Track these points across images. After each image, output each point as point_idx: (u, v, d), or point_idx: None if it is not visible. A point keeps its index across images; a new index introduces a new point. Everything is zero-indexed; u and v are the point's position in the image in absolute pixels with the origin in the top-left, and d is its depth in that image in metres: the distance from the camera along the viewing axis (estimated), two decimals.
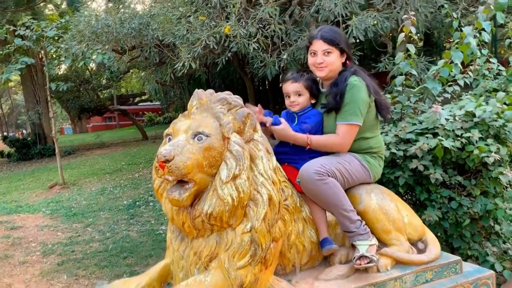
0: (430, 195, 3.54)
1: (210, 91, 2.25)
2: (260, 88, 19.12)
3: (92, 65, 13.92)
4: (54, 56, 11.66)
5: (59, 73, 16.44)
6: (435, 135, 3.50)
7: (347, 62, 2.70)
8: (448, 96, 4.25)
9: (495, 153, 3.32)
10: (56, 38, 9.67)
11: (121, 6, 9.20)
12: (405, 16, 3.71)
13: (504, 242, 3.75)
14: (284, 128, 2.47)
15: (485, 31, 4.01)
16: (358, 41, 7.08)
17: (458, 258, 2.58)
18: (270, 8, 6.80)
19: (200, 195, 2.08)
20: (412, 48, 3.61)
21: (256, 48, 7.00)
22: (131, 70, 18.78)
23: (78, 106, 17.91)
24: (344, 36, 2.71)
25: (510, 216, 3.52)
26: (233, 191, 2.01)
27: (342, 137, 2.52)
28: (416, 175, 3.55)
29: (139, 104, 33.85)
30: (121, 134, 23.21)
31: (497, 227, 3.66)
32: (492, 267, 3.46)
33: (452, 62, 3.79)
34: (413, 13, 3.69)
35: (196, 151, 2.01)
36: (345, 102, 2.52)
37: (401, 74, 3.72)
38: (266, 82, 18.52)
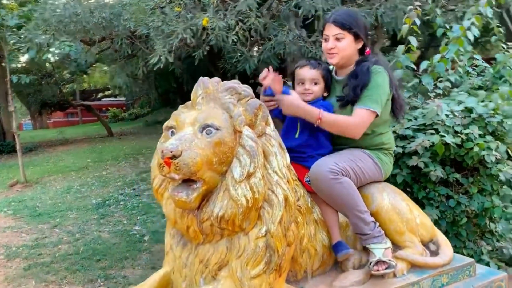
0: (428, 193, 3.44)
1: (216, 79, 2.02)
2: None
3: (55, 57, 13.24)
4: (14, 47, 11.00)
5: (18, 66, 15.62)
6: (432, 131, 3.39)
7: (367, 50, 2.50)
8: (440, 92, 4.17)
9: (495, 150, 3.24)
10: (18, 27, 9.07)
11: None
12: (410, 7, 3.58)
13: (497, 241, 3.70)
14: (295, 97, 2.25)
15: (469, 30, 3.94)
16: None
17: (472, 260, 2.46)
18: (250, 0, 6.57)
19: (208, 196, 1.85)
20: (414, 41, 3.48)
21: (235, 41, 6.77)
22: (94, 64, 18.13)
23: (40, 101, 17.07)
24: (361, 20, 2.50)
25: (508, 214, 3.46)
26: (247, 191, 1.79)
27: (359, 121, 2.30)
28: (413, 172, 3.43)
29: (102, 99, 32.84)
30: (85, 130, 22.34)
31: (492, 226, 3.60)
32: (487, 265, 3.40)
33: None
34: (418, 3, 3.55)
35: (205, 146, 1.78)
36: (367, 88, 2.33)
37: (401, 68, 3.59)
38: (237, 79, 18.30)
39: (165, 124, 2.01)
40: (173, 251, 2.02)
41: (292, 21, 7.40)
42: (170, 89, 24.03)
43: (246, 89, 1.99)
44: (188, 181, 1.80)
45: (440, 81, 4.16)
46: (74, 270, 5.00)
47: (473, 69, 4.76)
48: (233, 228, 1.84)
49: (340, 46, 2.40)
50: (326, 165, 2.17)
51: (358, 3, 7.08)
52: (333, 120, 2.29)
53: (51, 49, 8.61)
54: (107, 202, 7.92)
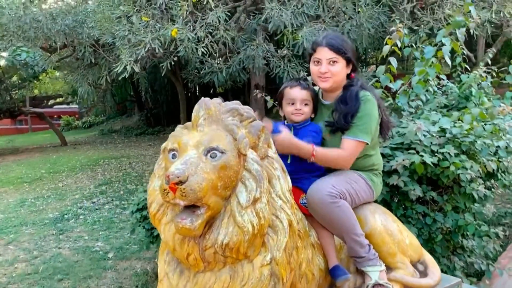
0: (405, 211, 3.50)
1: (218, 100, 1.95)
2: (189, 95, 18.69)
3: (7, 63, 12.61)
4: None
5: None
6: (409, 150, 3.47)
7: (351, 74, 2.51)
8: (412, 110, 4.28)
9: (469, 169, 3.35)
10: None
11: None
12: (393, 28, 3.65)
13: (469, 256, 3.81)
14: (286, 136, 2.22)
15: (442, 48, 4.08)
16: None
17: (459, 280, 2.51)
18: (221, 13, 6.56)
19: (211, 222, 1.77)
20: (394, 62, 3.56)
21: (205, 52, 6.71)
22: (48, 70, 17.42)
23: None
24: (351, 45, 2.52)
25: (481, 232, 3.57)
26: (253, 217, 1.73)
27: (349, 153, 2.32)
28: (391, 191, 3.49)
29: (54, 106, 31.59)
30: (36, 139, 21.37)
31: (464, 242, 3.71)
32: None
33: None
34: (400, 25, 3.63)
35: (211, 171, 1.71)
36: (357, 117, 2.34)
37: (381, 87, 3.65)
38: (197, 90, 18.14)
39: (164, 146, 1.92)
40: (169, 279, 1.92)
41: (260, 36, 7.43)
42: (126, 98, 23.53)
43: (248, 110, 1.94)
44: (191, 207, 1.72)
45: (412, 100, 4.28)
46: None
47: (438, 89, 4.93)
48: (237, 256, 1.77)
49: (333, 71, 2.39)
50: (324, 188, 2.15)
51: (325, 21, 7.22)
52: (327, 155, 2.31)
53: (2, 54, 8.18)
54: (65, 216, 7.57)
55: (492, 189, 3.77)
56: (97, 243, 6.23)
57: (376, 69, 3.88)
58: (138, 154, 13.38)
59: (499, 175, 3.79)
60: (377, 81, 3.72)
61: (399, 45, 3.58)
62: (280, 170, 1.92)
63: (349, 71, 2.47)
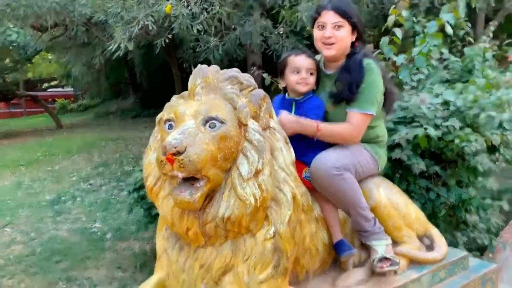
0: (408, 186, 3.43)
1: (215, 67, 1.85)
2: (184, 76, 18.49)
3: None
4: None
5: None
6: (412, 123, 3.38)
7: (355, 43, 2.39)
8: (415, 84, 4.18)
9: (474, 142, 3.27)
10: None
11: None
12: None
13: (472, 231, 3.77)
14: (287, 116, 2.13)
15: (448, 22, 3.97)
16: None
17: (466, 253, 2.46)
18: None
19: (211, 195, 1.69)
20: (399, 33, 3.43)
21: (200, 29, 6.55)
22: (41, 52, 17.15)
23: None
24: (357, 11, 2.40)
25: (485, 205, 3.52)
26: (256, 189, 1.65)
27: (356, 127, 2.22)
28: (394, 165, 3.41)
29: (48, 90, 31.24)
30: (31, 122, 21.12)
31: (467, 217, 3.66)
32: None
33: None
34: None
35: (210, 141, 1.62)
36: (361, 88, 2.23)
37: (384, 59, 3.54)
38: (192, 71, 17.91)
39: (159, 116, 1.82)
40: (168, 255, 1.85)
41: (257, 11, 7.25)
42: (121, 80, 23.26)
43: (248, 78, 1.84)
44: (190, 180, 1.63)
45: (415, 74, 4.18)
46: (32, 273, 4.67)
47: (440, 63, 4.82)
48: (239, 229, 1.69)
49: (338, 36, 2.27)
50: (329, 160, 2.07)
51: None
52: (332, 131, 2.22)
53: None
54: (62, 198, 7.50)
55: (497, 163, 3.69)
56: (94, 224, 6.17)
57: (379, 43, 3.75)
58: (135, 136, 13.25)
59: (501, 149, 3.72)
60: (380, 53, 3.60)
61: (404, 15, 3.45)
62: (283, 142, 1.83)
63: (353, 39, 2.36)
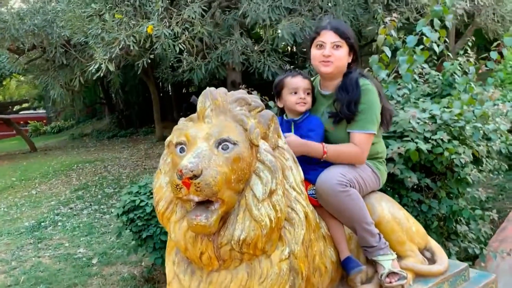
0: (401, 199, 3.48)
1: (223, 89, 1.86)
2: (161, 95, 18.38)
3: None
4: None
5: None
6: (402, 138, 3.45)
7: (351, 64, 2.45)
8: (400, 99, 4.28)
9: (462, 154, 3.36)
10: None
11: None
12: (388, 18, 3.61)
13: (462, 241, 3.84)
14: (294, 139, 2.15)
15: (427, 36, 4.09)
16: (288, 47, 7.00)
17: (466, 265, 2.50)
18: (198, 8, 6.42)
19: (225, 218, 1.68)
20: (388, 51, 3.52)
21: (182, 49, 6.57)
22: (14, 73, 16.80)
23: None
24: (354, 33, 2.46)
25: (476, 216, 3.60)
26: (270, 210, 1.65)
27: (361, 148, 2.26)
28: (386, 179, 3.46)
29: (20, 112, 30.54)
30: (3, 146, 20.56)
31: (458, 227, 3.73)
32: None
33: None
34: (395, 15, 3.60)
35: (224, 163, 1.62)
36: (361, 109, 2.28)
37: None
38: (171, 89, 17.86)
39: (169, 140, 1.81)
40: (180, 281, 1.81)
41: (237, 31, 7.33)
42: (96, 100, 22.97)
43: (256, 99, 1.85)
44: (204, 203, 1.62)
45: (399, 89, 4.28)
46: None
47: (420, 77, 4.96)
48: (254, 251, 1.68)
49: (337, 55, 2.33)
50: (333, 177, 2.09)
51: (303, 14, 7.18)
52: (339, 152, 2.25)
53: None
54: (42, 224, 7.28)
55: (484, 173, 3.80)
56: (79, 249, 6.00)
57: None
58: (113, 157, 13.05)
59: (484, 160, 3.83)
60: (369, 70, 3.69)
61: (394, 34, 3.54)
62: (292, 161, 1.84)
63: (350, 60, 2.41)
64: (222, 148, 1.65)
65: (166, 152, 1.84)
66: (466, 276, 2.46)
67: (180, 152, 1.69)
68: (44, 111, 30.22)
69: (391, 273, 2.12)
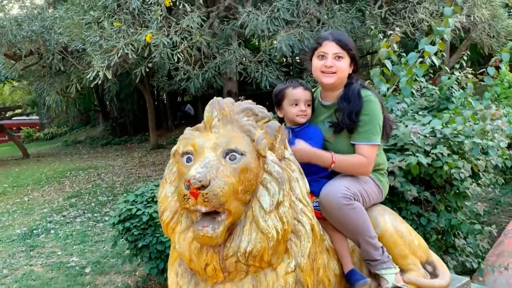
0: (400, 212, 3.48)
1: (230, 99, 1.85)
2: (156, 103, 18.36)
3: None
4: None
5: None
6: (402, 151, 3.46)
7: (351, 75, 2.45)
8: (399, 113, 4.30)
9: (462, 168, 3.37)
10: None
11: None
12: (391, 32, 3.64)
13: (460, 255, 3.84)
14: (304, 146, 2.14)
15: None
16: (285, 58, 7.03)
17: (468, 279, 2.49)
18: (197, 18, 6.44)
19: (231, 229, 1.66)
20: (389, 65, 3.54)
21: (180, 58, 6.57)
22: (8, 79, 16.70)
23: None
24: (355, 44, 2.47)
25: (475, 230, 3.60)
26: (277, 222, 1.63)
27: (368, 159, 2.26)
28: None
29: (12, 118, 30.33)
30: None
31: (457, 241, 3.73)
32: None
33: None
34: (398, 29, 3.63)
35: (231, 174, 1.60)
36: (364, 120, 2.28)
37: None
38: (166, 98, 17.85)
39: (174, 149, 1.79)
40: None
41: (235, 41, 7.36)
42: (90, 107, 22.89)
43: (263, 110, 1.85)
44: (210, 214, 1.60)
45: (398, 103, 4.30)
46: None
47: (417, 91, 5.00)
48: (260, 264, 1.66)
49: (338, 66, 2.33)
50: (338, 191, 2.08)
51: (301, 25, 7.23)
52: (347, 162, 2.24)
53: None
54: (34, 231, 7.19)
55: (483, 187, 3.81)
56: (71, 258, 5.93)
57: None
58: (106, 164, 12.97)
59: (481, 174, 3.85)
60: (369, 83, 3.70)
61: (396, 48, 3.57)
62: (298, 172, 1.83)
63: (351, 71, 2.42)
64: (230, 159, 1.63)
65: (172, 161, 1.82)
66: None
67: (187, 161, 1.67)
68: (37, 117, 30.09)
69: (395, 287, 2.11)
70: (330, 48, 2.33)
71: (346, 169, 2.25)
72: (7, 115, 29.98)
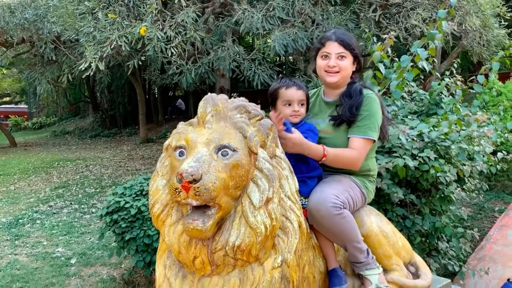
0: (386, 214, 3.53)
1: (224, 96, 1.88)
2: (147, 97, 18.29)
3: None
4: None
5: None
6: (390, 153, 3.52)
7: (353, 74, 2.50)
8: (389, 116, 4.35)
9: (448, 172, 3.43)
10: None
11: None
12: (385, 35, 3.68)
13: (442, 258, 3.91)
14: (299, 136, 2.16)
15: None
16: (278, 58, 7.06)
17: (448, 280, 2.55)
18: (192, 13, 6.44)
19: (221, 223, 1.69)
20: (382, 68, 3.59)
21: (174, 53, 6.57)
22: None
23: None
24: (357, 44, 2.51)
25: (458, 233, 3.67)
26: (266, 218, 1.67)
27: (359, 153, 2.29)
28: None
29: (0, 106, 30.00)
30: None
31: (439, 244, 3.80)
32: None
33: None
34: (393, 33, 3.68)
35: (222, 169, 1.63)
36: (362, 114, 2.32)
37: None
38: (158, 91, 17.79)
39: (168, 143, 1.81)
40: (170, 284, 1.81)
41: (230, 38, 7.37)
42: (81, 98, 22.72)
43: (256, 108, 1.88)
44: (201, 207, 1.63)
45: (388, 105, 4.36)
46: None
47: (407, 95, 5.06)
48: (248, 258, 1.69)
49: (342, 65, 2.37)
50: (328, 199, 2.09)
51: (295, 25, 7.26)
52: (338, 156, 2.27)
53: None
54: (20, 220, 7.14)
55: (468, 192, 3.88)
56: (57, 248, 5.91)
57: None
58: (95, 156, 12.90)
59: (466, 179, 3.92)
60: None
61: (389, 52, 3.62)
62: (288, 170, 1.87)
63: (354, 69, 2.46)
64: (222, 154, 1.66)
65: (164, 155, 1.85)
66: None
67: (179, 156, 1.70)
68: (26, 106, 29.77)
69: None
70: (333, 48, 2.38)
71: (337, 163, 2.28)
72: None
